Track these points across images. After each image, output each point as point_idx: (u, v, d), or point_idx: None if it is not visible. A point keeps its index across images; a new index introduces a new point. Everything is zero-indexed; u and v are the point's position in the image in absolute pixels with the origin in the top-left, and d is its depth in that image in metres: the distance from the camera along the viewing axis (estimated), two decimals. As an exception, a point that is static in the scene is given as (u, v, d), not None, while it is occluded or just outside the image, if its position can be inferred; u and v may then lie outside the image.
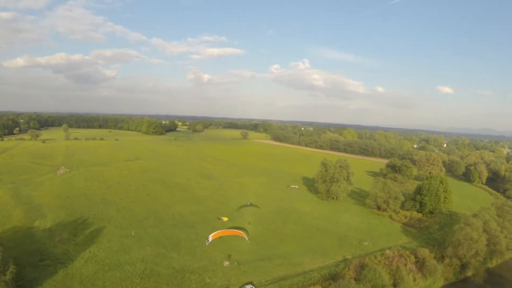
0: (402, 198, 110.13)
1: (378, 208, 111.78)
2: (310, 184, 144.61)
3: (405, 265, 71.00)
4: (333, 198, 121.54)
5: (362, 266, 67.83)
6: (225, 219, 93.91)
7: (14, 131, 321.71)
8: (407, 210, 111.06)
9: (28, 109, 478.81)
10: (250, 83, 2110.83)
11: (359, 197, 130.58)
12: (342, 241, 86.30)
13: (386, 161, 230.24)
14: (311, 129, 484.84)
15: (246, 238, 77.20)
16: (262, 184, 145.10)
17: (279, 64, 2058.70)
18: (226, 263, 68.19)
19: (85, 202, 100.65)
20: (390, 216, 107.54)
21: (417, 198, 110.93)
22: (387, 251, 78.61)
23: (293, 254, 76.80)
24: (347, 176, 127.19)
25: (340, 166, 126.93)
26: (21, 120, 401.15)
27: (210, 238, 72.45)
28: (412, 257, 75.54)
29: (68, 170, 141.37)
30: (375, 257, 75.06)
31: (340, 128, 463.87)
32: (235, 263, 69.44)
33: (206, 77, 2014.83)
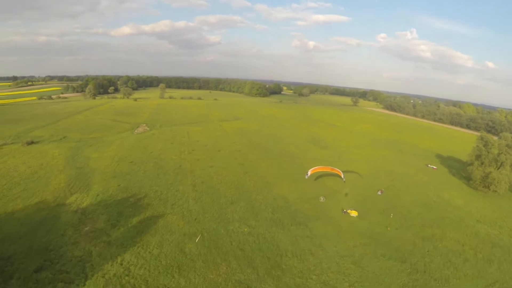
0: None
1: None
2: (449, 164, 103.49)
3: None
4: (490, 189, 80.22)
5: None
6: (354, 213, 58.48)
7: (109, 90, 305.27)
8: None
9: (133, 74, 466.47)
10: (355, 51, 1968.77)
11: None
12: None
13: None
14: (419, 101, 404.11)
15: (343, 177, 68.70)
16: (390, 160, 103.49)
17: (386, 33, 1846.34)
18: (322, 199, 62.14)
19: (151, 170, 70.67)
20: None
21: None
22: None
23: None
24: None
25: (507, 145, 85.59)
26: (118, 82, 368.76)
27: (309, 172, 67.71)
28: None
29: (148, 129, 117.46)
30: None
31: (452, 103, 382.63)
32: None
33: (311, 44, 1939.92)
